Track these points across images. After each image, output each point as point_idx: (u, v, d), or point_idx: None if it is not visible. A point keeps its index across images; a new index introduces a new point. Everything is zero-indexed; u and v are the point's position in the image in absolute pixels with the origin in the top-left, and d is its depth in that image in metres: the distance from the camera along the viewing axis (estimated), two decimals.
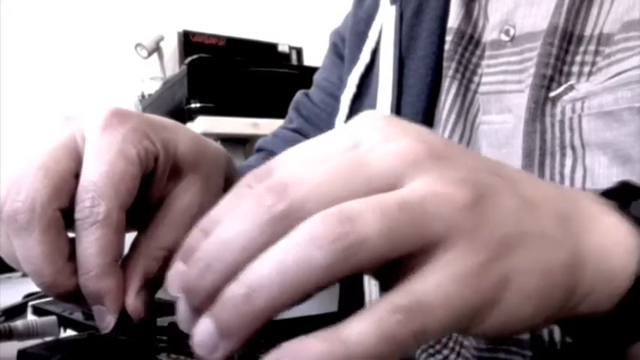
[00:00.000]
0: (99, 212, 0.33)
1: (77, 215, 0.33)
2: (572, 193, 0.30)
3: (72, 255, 0.34)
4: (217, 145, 0.44)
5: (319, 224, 0.22)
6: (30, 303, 0.60)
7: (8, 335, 0.48)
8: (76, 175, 0.35)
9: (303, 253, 0.21)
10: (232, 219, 0.24)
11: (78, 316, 0.51)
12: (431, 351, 0.49)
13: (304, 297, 0.22)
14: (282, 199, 0.23)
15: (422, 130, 0.26)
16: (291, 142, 0.67)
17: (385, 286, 0.24)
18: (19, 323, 0.49)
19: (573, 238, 0.27)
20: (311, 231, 0.22)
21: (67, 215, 0.34)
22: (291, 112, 0.71)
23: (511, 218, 0.25)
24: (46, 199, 0.33)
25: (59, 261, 0.33)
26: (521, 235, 0.25)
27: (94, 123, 0.36)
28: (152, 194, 0.37)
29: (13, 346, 0.41)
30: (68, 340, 0.37)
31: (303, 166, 0.25)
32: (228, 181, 0.44)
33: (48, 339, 0.49)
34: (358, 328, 0.21)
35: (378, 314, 0.22)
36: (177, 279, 0.25)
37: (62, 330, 0.51)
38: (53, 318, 0.51)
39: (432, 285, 0.22)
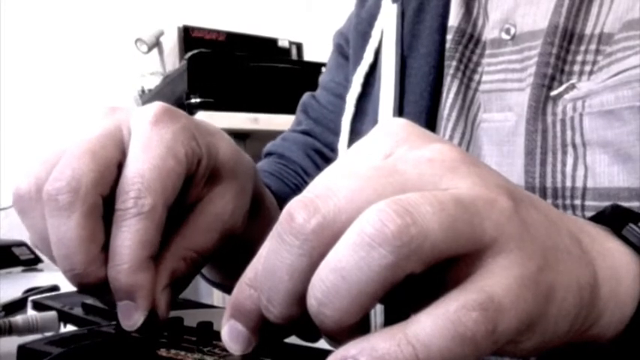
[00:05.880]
0: (144, 204, 0.32)
1: (120, 205, 0.32)
2: (573, 216, 0.30)
3: (105, 246, 0.33)
4: (247, 155, 0.43)
5: (376, 220, 0.20)
6: (30, 298, 0.60)
7: (8, 330, 0.48)
8: (119, 166, 0.34)
9: (364, 255, 0.20)
10: (269, 248, 0.23)
11: (78, 311, 0.51)
12: None
13: (374, 302, 0.21)
14: (313, 214, 0.22)
15: (442, 138, 0.26)
16: (301, 145, 0.67)
17: (394, 308, 0.23)
18: (19, 318, 0.49)
19: (590, 258, 0.26)
20: (367, 228, 0.20)
21: (104, 207, 0.33)
22: (299, 114, 0.70)
23: (543, 231, 0.24)
24: (91, 182, 0.32)
25: (94, 249, 0.32)
26: (554, 248, 0.24)
27: (143, 117, 0.35)
28: (189, 197, 0.37)
29: (13, 342, 0.41)
30: (68, 336, 0.37)
31: (332, 180, 0.23)
32: (254, 194, 0.44)
33: (48, 334, 0.49)
34: (429, 327, 0.20)
35: (452, 311, 0.20)
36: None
37: (62, 325, 0.51)
38: (53, 313, 0.51)
39: (501, 285, 0.21)
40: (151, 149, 0.33)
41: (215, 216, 0.37)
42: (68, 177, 0.32)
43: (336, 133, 0.63)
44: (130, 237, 0.32)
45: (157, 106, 0.36)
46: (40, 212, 0.33)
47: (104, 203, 0.33)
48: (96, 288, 0.33)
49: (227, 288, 0.57)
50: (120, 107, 0.37)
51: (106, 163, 0.33)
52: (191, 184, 0.36)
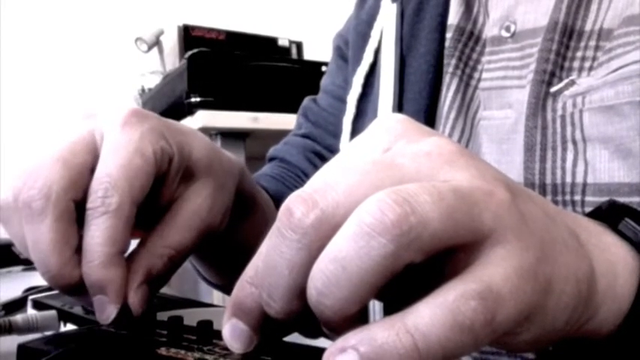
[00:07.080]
0: (111, 203, 0.33)
1: (89, 205, 0.34)
2: (570, 212, 0.30)
3: (79, 249, 0.34)
4: (231, 155, 0.44)
5: (375, 210, 0.20)
6: (30, 297, 0.60)
7: (8, 329, 0.48)
8: (92, 170, 0.35)
9: (364, 244, 0.20)
10: (269, 244, 0.23)
11: (78, 310, 0.51)
12: None
13: (373, 292, 0.21)
14: (312, 208, 0.22)
15: (440, 133, 0.26)
16: (301, 148, 0.67)
17: (391, 303, 0.23)
18: (19, 317, 0.49)
19: (587, 251, 0.26)
20: (367, 218, 0.21)
21: (79, 210, 0.34)
22: (299, 118, 0.71)
23: (541, 224, 0.24)
24: (61, 188, 0.34)
25: (67, 251, 0.33)
26: (552, 241, 0.24)
27: (113, 120, 0.36)
28: (163, 196, 0.38)
29: (13, 340, 0.41)
30: (68, 335, 0.37)
31: (331, 175, 0.23)
32: (242, 193, 0.45)
33: (48, 333, 0.49)
34: (427, 317, 0.20)
35: (450, 300, 0.20)
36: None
37: (62, 324, 0.51)
38: (53, 312, 0.51)
39: (500, 275, 0.21)
40: (118, 150, 0.35)
41: (192, 213, 0.38)
42: (40, 185, 0.33)
43: (336, 135, 0.63)
44: (98, 234, 0.33)
45: (126, 109, 0.37)
46: (18, 220, 0.34)
47: (80, 207, 0.34)
48: (73, 288, 0.34)
49: (226, 289, 0.57)
50: (94, 113, 0.38)
51: (76, 169, 0.34)
52: (165, 182, 0.37)
